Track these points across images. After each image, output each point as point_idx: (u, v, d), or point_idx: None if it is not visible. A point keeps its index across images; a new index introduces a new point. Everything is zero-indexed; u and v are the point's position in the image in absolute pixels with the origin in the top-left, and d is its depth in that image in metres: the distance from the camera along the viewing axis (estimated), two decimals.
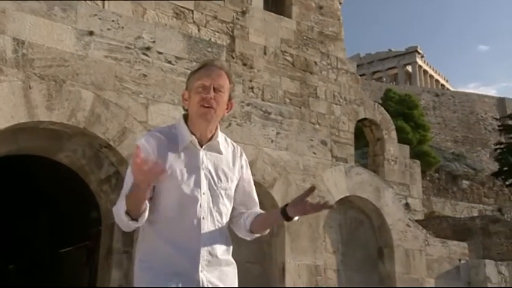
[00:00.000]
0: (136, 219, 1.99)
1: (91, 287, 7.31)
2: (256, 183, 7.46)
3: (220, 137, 2.21)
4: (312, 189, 2.06)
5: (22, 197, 10.13)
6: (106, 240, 6.72)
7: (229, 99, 2.20)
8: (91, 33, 6.54)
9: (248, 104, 8.02)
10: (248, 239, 2.28)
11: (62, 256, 9.59)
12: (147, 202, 1.99)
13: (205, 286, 1.99)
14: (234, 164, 2.22)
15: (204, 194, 2.08)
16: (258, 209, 2.29)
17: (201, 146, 2.15)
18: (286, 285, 7.52)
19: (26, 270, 10.16)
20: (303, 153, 8.35)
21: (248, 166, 2.29)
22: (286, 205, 2.13)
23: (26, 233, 10.51)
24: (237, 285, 2.12)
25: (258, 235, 2.26)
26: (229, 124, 7.68)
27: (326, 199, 8.32)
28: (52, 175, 8.85)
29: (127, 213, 1.99)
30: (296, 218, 2.13)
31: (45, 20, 6.24)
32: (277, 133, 8.16)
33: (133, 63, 6.80)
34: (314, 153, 8.50)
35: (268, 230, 2.29)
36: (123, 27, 6.82)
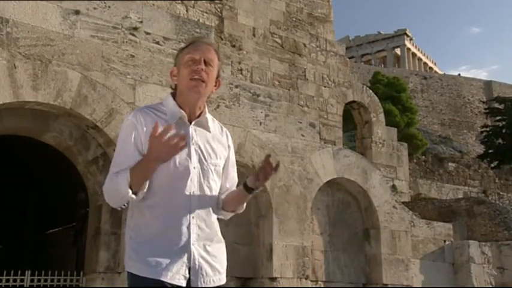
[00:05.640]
0: (136, 193, 1.99)
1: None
2: (245, 166, 7.50)
3: (208, 116, 2.21)
4: (268, 157, 2.08)
5: (9, 178, 10.04)
6: (94, 221, 6.70)
7: (218, 76, 2.20)
8: (77, 12, 6.42)
9: (237, 86, 7.98)
10: (223, 217, 2.27)
11: (49, 237, 9.58)
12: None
13: (197, 259, 2.02)
14: (221, 143, 2.22)
15: (194, 168, 2.08)
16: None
17: (190, 123, 2.14)
18: (274, 266, 7.59)
19: (13, 251, 10.12)
20: (292, 136, 8.37)
21: (233, 149, 2.30)
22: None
23: (13, 213, 10.45)
24: (225, 263, 2.14)
25: (231, 213, 2.26)
26: (218, 106, 7.65)
27: (314, 181, 8.37)
28: (39, 156, 8.78)
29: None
30: (257, 189, 2.16)
31: None
32: (266, 115, 8.16)
33: (121, 44, 6.72)
34: (302, 135, 8.52)
35: (240, 207, 2.27)
36: (109, 7, 6.71)
